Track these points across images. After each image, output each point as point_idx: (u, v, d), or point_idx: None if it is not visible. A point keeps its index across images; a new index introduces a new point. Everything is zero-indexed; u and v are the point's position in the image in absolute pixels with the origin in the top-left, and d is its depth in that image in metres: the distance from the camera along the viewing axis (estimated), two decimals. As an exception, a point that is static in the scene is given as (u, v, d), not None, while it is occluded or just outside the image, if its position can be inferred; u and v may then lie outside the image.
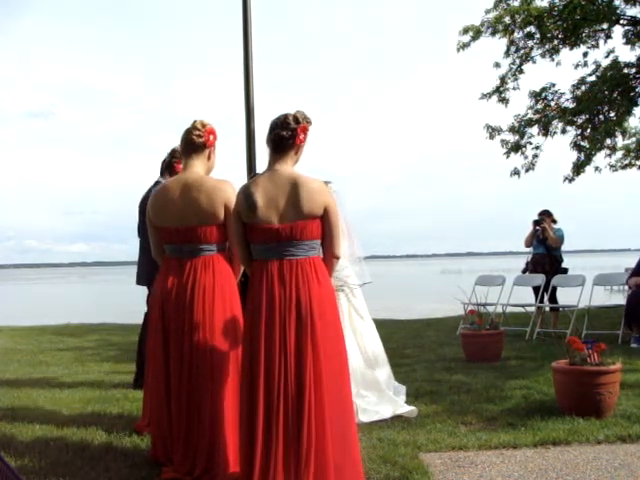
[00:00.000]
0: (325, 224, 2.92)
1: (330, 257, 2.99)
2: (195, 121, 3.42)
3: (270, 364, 2.76)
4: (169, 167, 4.60)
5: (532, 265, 8.83)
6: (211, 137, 3.42)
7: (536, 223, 8.74)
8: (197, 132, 3.38)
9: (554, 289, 8.48)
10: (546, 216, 8.75)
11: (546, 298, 8.47)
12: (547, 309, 8.67)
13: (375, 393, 4.46)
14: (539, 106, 11.40)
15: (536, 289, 8.54)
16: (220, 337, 3.22)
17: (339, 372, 2.88)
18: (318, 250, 2.95)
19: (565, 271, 8.70)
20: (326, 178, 4.66)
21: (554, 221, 8.81)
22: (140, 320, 5.26)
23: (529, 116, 11.38)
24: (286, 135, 2.91)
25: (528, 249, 9.05)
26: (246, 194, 2.89)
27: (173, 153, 4.49)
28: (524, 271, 9.07)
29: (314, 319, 2.78)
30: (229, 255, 3.42)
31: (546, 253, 8.69)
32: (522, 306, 9.13)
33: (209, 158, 3.46)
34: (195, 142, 3.38)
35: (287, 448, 2.71)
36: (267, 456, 2.70)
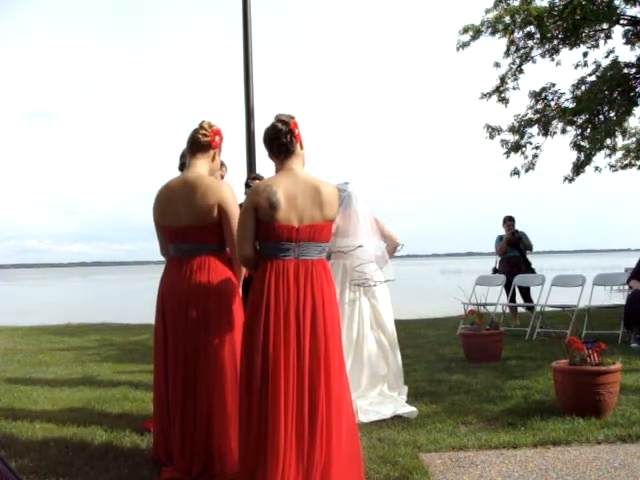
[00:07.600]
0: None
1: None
2: (203, 121, 3.44)
3: (286, 363, 2.77)
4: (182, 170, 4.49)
5: (509, 267, 9.16)
6: (217, 138, 3.43)
7: (512, 234, 9.19)
8: (203, 132, 3.39)
9: (528, 289, 9.01)
10: (511, 222, 9.23)
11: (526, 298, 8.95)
12: (507, 309, 9.17)
13: (378, 393, 4.45)
14: (539, 106, 11.41)
15: (507, 288, 8.90)
16: (216, 337, 3.21)
17: (341, 371, 2.94)
18: (326, 252, 3.05)
19: (534, 271, 9.20)
20: (345, 179, 4.78)
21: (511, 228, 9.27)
22: (140, 320, 5.25)
23: (529, 116, 11.39)
24: (286, 141, 2.96)
25: (496, 255, 9.48)
26: (268, 192, 2.87)
27: (183, 157, 4.42)
28: (495, 271, 9.44)
29: (326, 319, 2.87)
30: (229, 255, 3.40)
31: (520, 255, 9.24)
32: (522, 306, 9.19)
33: (213, 159, 3.46)
34: (200, 141, 3.39)
35: (300, 445, 2.74)
36: (277, 453, 2.71)
